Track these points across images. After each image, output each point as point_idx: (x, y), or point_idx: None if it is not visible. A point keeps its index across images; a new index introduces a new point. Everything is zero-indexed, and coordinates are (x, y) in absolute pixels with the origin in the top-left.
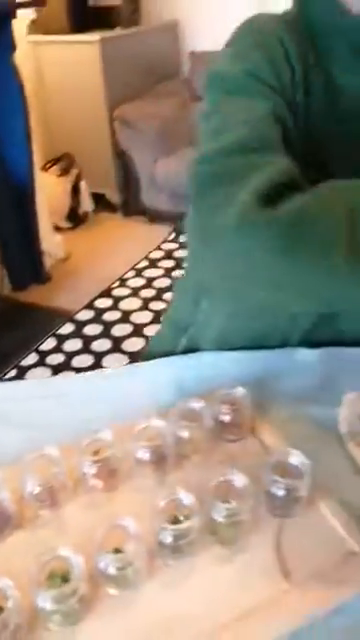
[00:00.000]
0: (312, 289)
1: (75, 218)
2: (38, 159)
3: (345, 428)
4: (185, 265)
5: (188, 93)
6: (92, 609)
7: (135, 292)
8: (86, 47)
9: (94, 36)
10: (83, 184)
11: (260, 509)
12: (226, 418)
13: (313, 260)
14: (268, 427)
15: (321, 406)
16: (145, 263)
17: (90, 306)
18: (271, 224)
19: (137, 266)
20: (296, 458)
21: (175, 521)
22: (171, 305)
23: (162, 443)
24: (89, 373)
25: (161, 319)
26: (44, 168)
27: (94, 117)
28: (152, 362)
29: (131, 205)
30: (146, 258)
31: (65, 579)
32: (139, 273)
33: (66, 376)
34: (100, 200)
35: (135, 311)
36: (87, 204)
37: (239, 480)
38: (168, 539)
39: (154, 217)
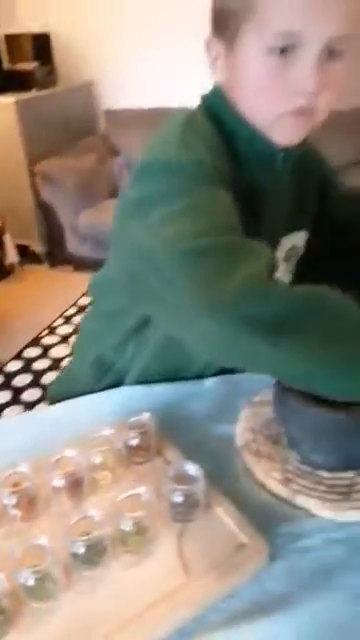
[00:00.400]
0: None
1: (1, 270)
2: None
3: (241, 441)
4: (91, 309)
5: (105, 148)
6: (15, 623)
7: (64, 339)
8: (2, 109)
9: (9, 98)
10: (7, 237)
11: (165, 517)
12: (134, 442)
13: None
14: (173, 447)
15: (221, 424)
16: (73, 310)
17: (19, 356)
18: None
19: (65, 313)
20: (191, 467)
21: (87, 535)
22: (90, 341)
23: (76, 470)
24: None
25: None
26: None
27: (15, 173)
28: (74, 401)
29: (56, 255)
30: (74, 305)
31: None
32: (68, 320)
33: None
34: (25, 251)
35: (65, 358)
36: (12, 256)
37: (144, 493)
38: (80, 550)
39: (79, 265)
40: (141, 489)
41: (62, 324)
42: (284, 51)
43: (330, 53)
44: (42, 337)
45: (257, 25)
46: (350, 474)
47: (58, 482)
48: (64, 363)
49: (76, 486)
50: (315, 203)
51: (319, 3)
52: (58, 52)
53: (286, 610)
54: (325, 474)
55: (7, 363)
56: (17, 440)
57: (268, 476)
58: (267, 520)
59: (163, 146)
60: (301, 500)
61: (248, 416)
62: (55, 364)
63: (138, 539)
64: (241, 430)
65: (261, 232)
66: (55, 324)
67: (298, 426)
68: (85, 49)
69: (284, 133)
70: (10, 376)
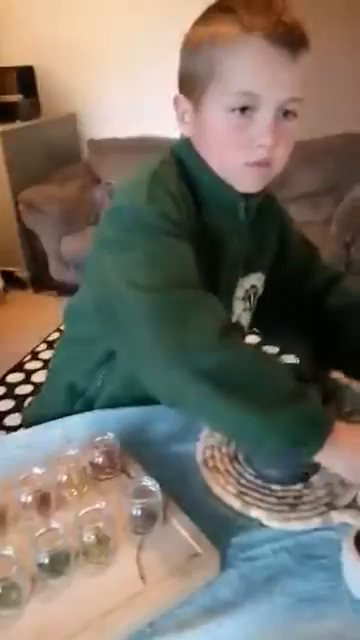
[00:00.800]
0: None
1: None
2: None
3: (200, 457)
4: (64, 336)
5: (89, 176)
6: None
7: (47, 364)
8: None
9: None
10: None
11: (125, 530)
12: (99, 460)
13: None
14: (136, 465)
15: (183, 444)
16: (56, 335)
17: (2, 382)
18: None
19: (49, 338)
20: (149, 482)
21: (51, 546)
22: (63, 366)
23: (43, 487)
24: None
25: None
26: None
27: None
28: (46, 425)
29: (41, 280)
30: (58, 330)
31: None
32: (50, 345)
33: None
34: (10, 278)
35: None
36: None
37: (104, 507)
38: (45, 560)
39: (63, 290)
40: (102, 504)
41: (45, 349)
42: (244, 111)
43: (284, 113)
44: (25, 362)
45: (220, 87)
46: (298, 487)
47: (25, 498)
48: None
49: (43, 503)
50: (274, 248)
51: (275, 69)
52: (42, 84)
53: (234, 615)
54: (276, 487)
55: None
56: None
57: (224, 490)
58: (221, 531)
59: (132, 194)
60: (253, 512)
61: (208, 436)
62: (37, 389)
63: (99, 550)
64: (201, 448)
65: (222, 273)
66: (38, 349)
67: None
68: (68, 81)
69: (246, 182)
70: None
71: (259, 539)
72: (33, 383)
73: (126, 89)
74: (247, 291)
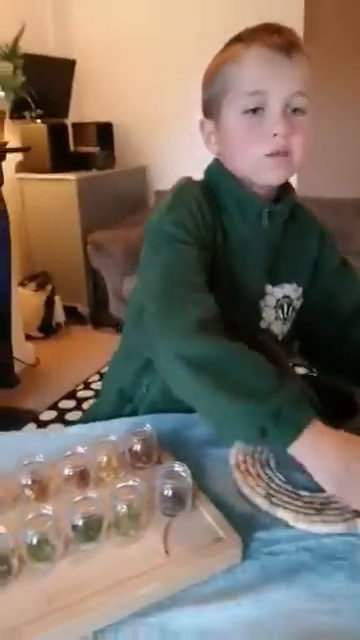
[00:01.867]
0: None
1: (48, 328)
2: (17, 276)
3: (233, 461)
4: (119, 343)
5: None
6: (15, 576)
7: (98, 394)
8: (65, 184)
9: (72, 176)
10: (57, 298)
11: (155, 510)
12: (136, 447)
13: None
14: (171, 458)
15: (218, 448)
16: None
17: (54, 407)
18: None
19: (102, 370)
20: (180, 467)
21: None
22: (115, 373)
23: (84, 464)
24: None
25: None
26: (22, 284)
27: (69, 241)
28: (90, 424)
29: (100, 317)
30: None
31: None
32: (103, 377)
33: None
34: (72, 312)
35: None
36: (60, 316)
37: (138, 484)
38: (79, 522)
39: (121, 328)
40: (136, 480)
41: (97, 380)
42: (255, 111)
43: (293, 110)
44: (78, 391)
45: (232, 95)
46: (326, 494)
47: (68, 471)
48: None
49: (83, 478)
50: (310, 262)
51: (276, 68)
52: (118, 139)
53: (251, 597)
54: (304, 492)
55: (42, 412)
56: (37, 446)
57: (253, 491)
58: (247, 526)
59: (157, 212)
60: (279, 512)
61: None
62: None
63: (129, 523)
64: (235, 452)
65: (247, 278)
66: (90, 380)
67: None
68: (141, 137)
69: (268, 173)
70: (43, 425)
71: (283, 537)
72: (83, 410)
73: (191, 145)
74: (279, 300)
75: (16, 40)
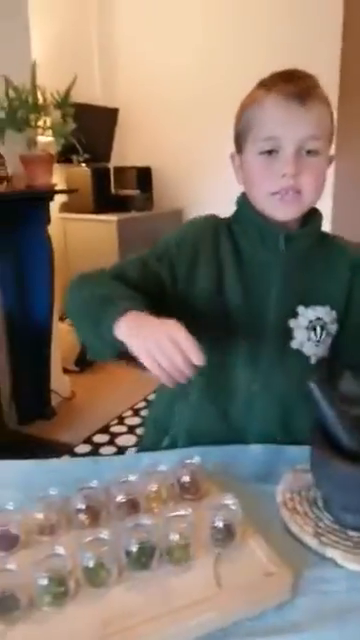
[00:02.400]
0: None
1: (83, 363)
2: (57, 311)
3: (280, 498)
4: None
5: None
6: (75, 600)
7: (131, 429)
8: (106, 225)
9: (113, 217)
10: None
11: (205, 542)
12: (185, 479)
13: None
14: (218, 491)
15: (264, 484)
16: (142, 404)
17: (88, 441)
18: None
19: (135, 406)
20: (231, 500)
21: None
22: (152, 405)
23: (135, 492)
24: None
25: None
26: (61, 319)
27: None
28: (136, 455)
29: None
30: (144, 400)
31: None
32: (136, 413)
33: None
34: None
35: (130, 447)
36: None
37: (189, 514)
38: (133, 548)
39: None
40: (188, 510)
41: (131, 415)
42: (270, 153)
43: (308, 151)
44: (111, 425)
45: (252, 137)
46: None
47: (120, 498)
48: (129, 452)
49: (133, 506)
50: (342, 291)
51: (289, 116)
52: (156, 182)
53: (303, 636)
54: (353, 533)
55: (76, 446)
56: (87, 471)
57: (302, 530)
58: (296, 564)
59: None
60: (329, 552)
61: (289, 479)
62: (120, 451)
63: (181, 553)
64: (281, 490)
65: (272, 297)
66: (125, 415)
67: (329, 483)
68: (178, 181)
69: (278, 209)
70: (51, 460)
71: (333, 576)
72: (117, 445)
73: (224, 189)
74: (311, 322)
75: (68, 90)
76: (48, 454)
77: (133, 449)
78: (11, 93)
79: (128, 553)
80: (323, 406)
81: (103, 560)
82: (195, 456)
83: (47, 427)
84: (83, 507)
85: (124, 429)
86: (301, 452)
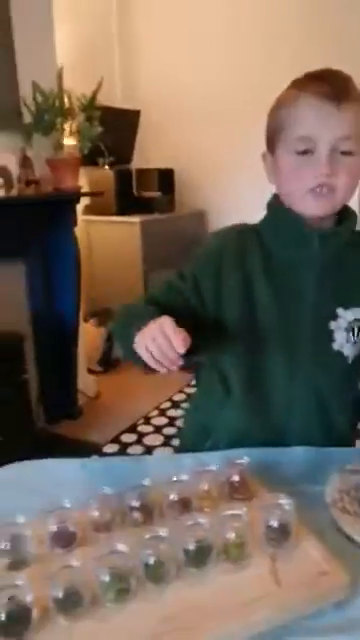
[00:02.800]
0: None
1: (107, 363)
2: (82, 312)
3: (330, 499)
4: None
5: None
6: (137, 596)
7: (158, 429)
8: (129, 226)
9: (136, 219)
10: (114, 336)
11: (260, 540)
12: (235, 478)
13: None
14: (266, 492)
15: (311, 485)
16: (168, 404)
17: (116, 440)
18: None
19: (161, 406)
20: (284, 500)
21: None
22: (195, 412)
23: (187, 491)
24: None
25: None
26: (85, 319)
27: (132, 280)
28: (178, 455)
29: None
30: (169, 400)
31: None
32: (162, 413)
33: None
34: None
35: (157, 446)
36: (118, 352)
37: (243, 514)
38: (191, 547)
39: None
40: (242, 510)
41: (157, 415)
42: (304, 153)
43: (342, 153)
44: (138, 425)
45: (285, 136)
46: None
47: (173, 497)
48: (155, 451)
49: (185, 505)
50: None
51: (323, 116)
52: (178, 184)
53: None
54: None
55: (104, 445)
56: (135, 470)
57: (354, 530)
58: (351, 564)
59: None
60: None
61: (338, 480)
62: (148, 451)
63: (237, 551)
64: (330, 490)
65: (309, 300)
66: (151, 415)
67: None
68: (200, 183)
69: (311, 205)
70: (105, 457)
71: None
72: (144, 445)
73: (246, 190)
74: (350, 323)
75: (94, 94)
76: (77, 454)
77: (161, 449)
78: (38, 97)
79: (186, 551)
80: None
81: (162, 558)
82: (244, 456)
83: (74, 427)
84: (137, 505)
85: (151, 429)
86: (343, 453)
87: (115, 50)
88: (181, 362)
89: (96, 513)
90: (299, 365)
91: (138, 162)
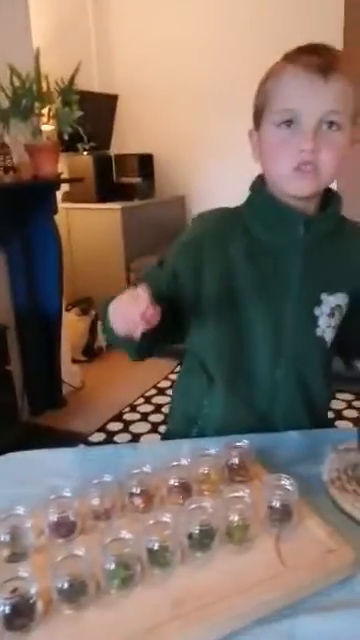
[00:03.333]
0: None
1: (90, 352)
2: (63, 301)
3: (326, 477)
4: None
5: None
6: (142, 582)
7: (144, 417)
8: (109, 214)
9: (116, 205)
10: (100, 323)
11: (263, 523)
12: (235, 461)
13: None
14: (268, 473)
15: (307, 465)
16: (154, 391)
17: (102, 429)
18: None
19: (146, 394)
20: (286, 480)
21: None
22: (179, 398)
23: (187, 476)
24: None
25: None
26: (67, 309)
27: (113, 268)
28: (177, 440)
29: None
30: (155, 387)
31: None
32: (148, 400)
33: None
34: None
35: (144, 434)
36: (102, 340)
37: (247, 495)
38: (195, 530)
39: (162, 352)
40: (245, 491)
41: (142, 403)
42: (289, 124)
43: (330, 124)
44: (124, 413)
45: (270, 110)
46: None
47: (173, 482)
48: (143, 439)
49: (185, 490)
50: (355, 277)
51: (310, 89)
52: (158, 169)
53: None
54: None
55: (91, 435)
56: (131, 458)
57: (354, 507)
58: (353, 540)
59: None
60: None
61: (333, 459)
62: (134, 439)
63: (241, 533)
64: (327, 469)
65: (294, 285)
66: (136, 403)
67: None
68: (180, 168)
69: (295, 185)
70: (92, 446)
71: None
72: (131, 432)
73: (225, 176)
74: (332, 309)
75: (72, 77)
76: (63, 444)
77: (148, 436)
78: (15, 81)
79: (190, 535)
80: None
81: (167, 543)
82: (243, 440)
83: (59, 417)
84: (138, 491)
85: (137, 416)
86: (337, 434)
87: (91, 34)
88: (140, 330)
89: (96, 501)
90: (283, 351)
91: (117, 148)
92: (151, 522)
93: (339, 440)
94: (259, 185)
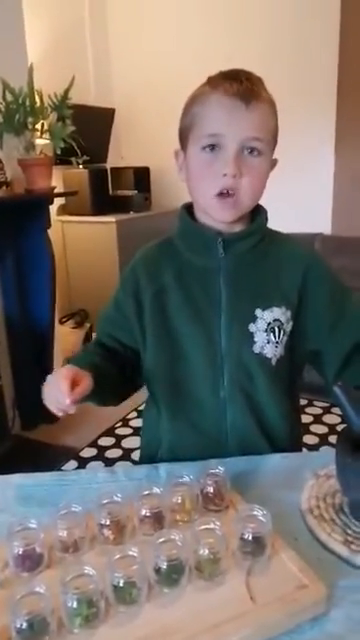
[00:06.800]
0: None
1: None
2: (57, 314)
3: (305, 506)
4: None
5: None
6: (107, 620)
7: (136, 431)
8: (105, 227)
9: (111, 218)
10: (94, 336)
11: (235, 555)
12: (210, 489)
13: None
14: (243, 502)
15: (287, 491)
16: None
17: (94, 444)
18: None
19: (139, 408)
20: (259, 511)
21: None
22: (143, 428)
23: (160, 505)
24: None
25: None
26: (61, 321)
27: (108, 281)
28: (153, 465)
29: None
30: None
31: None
32: (141, 414)
33: None
34: None
35: (136, 449)
36: None
37: (218, 528)
38: (163, 565)
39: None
40: (216, 524)
41: (135, 417)
42: (213, 149)
43: (250, 151)
44: (116, 428)
45: (195, 133)
46: None
47: (145, 512)
48: (134, 454)
49: (158, 520)
50: (294, 290)
51: (232, 115)
52: (155, 183)
53: None
54: None
55: (82, 449)
56: (106, 483)
57: (330, 537)
58: (328, 574)
59: None
60: None
61: (313, 486)
62: (126, 453)
63: (212, 568)
64: (306, 497)
65: (223, 304)
66: (129, 417)
67: (357, 489)
68: (175, 182)
69: (218, 212)
70: (84, 462)
71: None
72: (123, 448)
73: None
74: (270, 324)
75: (66, 92)
76: (54, 459)
77: (139, 452)
78: (8, 96)
79: (157, 570)
80: (348, 410)
81: (134, 578)
82: (218, 466)
83: (51, 431)
84: (107, 522)
85: (129, 431)
86: (319, 458)
87: (89, 48)
88: (72, 410)
89: (64, 533)
90: (222, 371)
91: (113, 161)
92: (117, 556)
93: (322, 464)
94: (184, 210)
